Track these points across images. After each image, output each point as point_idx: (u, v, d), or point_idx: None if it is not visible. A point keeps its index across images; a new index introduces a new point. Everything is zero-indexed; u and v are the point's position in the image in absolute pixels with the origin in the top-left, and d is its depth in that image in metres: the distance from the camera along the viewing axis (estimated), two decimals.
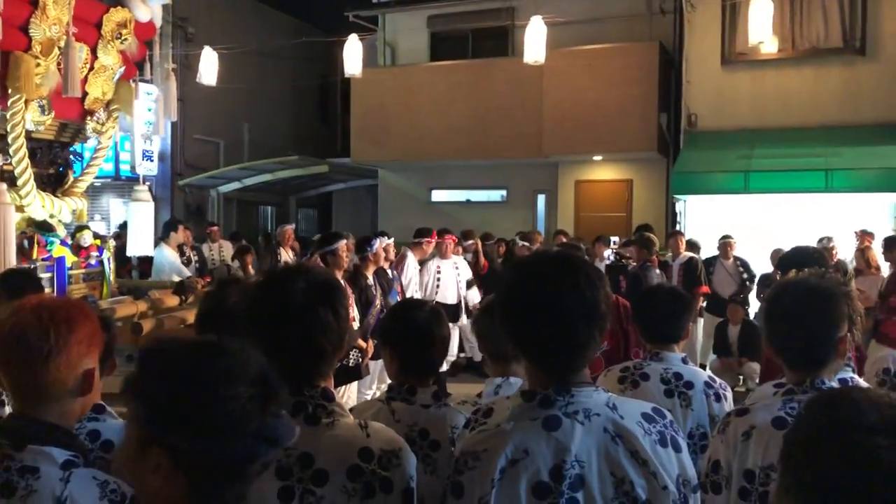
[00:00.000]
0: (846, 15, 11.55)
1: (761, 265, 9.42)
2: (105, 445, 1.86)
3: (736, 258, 9.30)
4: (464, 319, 9.58)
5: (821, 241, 8.60)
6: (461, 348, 9.86)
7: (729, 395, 2.82)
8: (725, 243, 9.34)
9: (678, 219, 12.38)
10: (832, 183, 10.66)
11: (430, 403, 2.35)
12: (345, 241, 6.08)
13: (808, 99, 11.63)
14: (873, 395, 1.06)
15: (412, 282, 8.08)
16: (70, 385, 1.66)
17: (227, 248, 11.73)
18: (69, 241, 6.81)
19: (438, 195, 15.57)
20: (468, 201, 15.27)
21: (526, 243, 9.79)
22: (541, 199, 14.70)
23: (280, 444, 1.14)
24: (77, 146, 7.37)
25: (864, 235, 8.89)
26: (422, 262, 8.40)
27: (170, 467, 1.10)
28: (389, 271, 7.19)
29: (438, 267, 8.55)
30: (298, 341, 1.66)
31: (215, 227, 12.32)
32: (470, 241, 9.91)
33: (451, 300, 8.63)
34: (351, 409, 1.74)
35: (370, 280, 6.30)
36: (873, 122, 11.22)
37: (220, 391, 1.10)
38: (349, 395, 5.92)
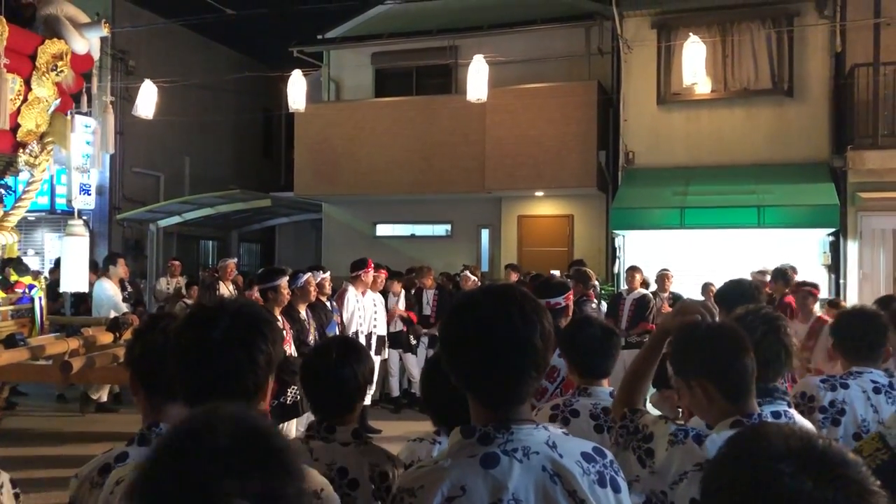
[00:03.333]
0: (774, 58, 12.05)
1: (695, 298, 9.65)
2: None
3: (671, 293, 9.46)
4: (410, 356, 9.58)
5: (755, 273, 8.83)
6: (402, 384, 9.83)
7: None
8: (663, 276, 9.51)
9: (617, 253, 12.61)
10: (764, 219, 11.00)
11: (349, 441, 2.33)
12: (286, 278, 6.01)
13: (740, 138, 12.04)
14: (785, 428, 1.11)
15: (354, 315, 8.04)
16: None
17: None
18: None
19: (383, 229, 15.59)
20: (413, 236, 15.32)
21: (474, 277, 9.86)
22: (484, 233, 14.84)
23: None
24: (8, 179, 7.20)
25: (791, 270, 9.16)
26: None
27: None
28: (329, 304, 7.15)
29: (374, 301, 8.54)
30: (209, 383, 1.64)
31: (177, 262, 12.10)
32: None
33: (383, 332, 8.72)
34: None
35: (303, 314, 6.24)
36: (802, 161, 11.66)
37: None
38: (288, 434, 5.82)
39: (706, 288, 9.15)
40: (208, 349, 1.63)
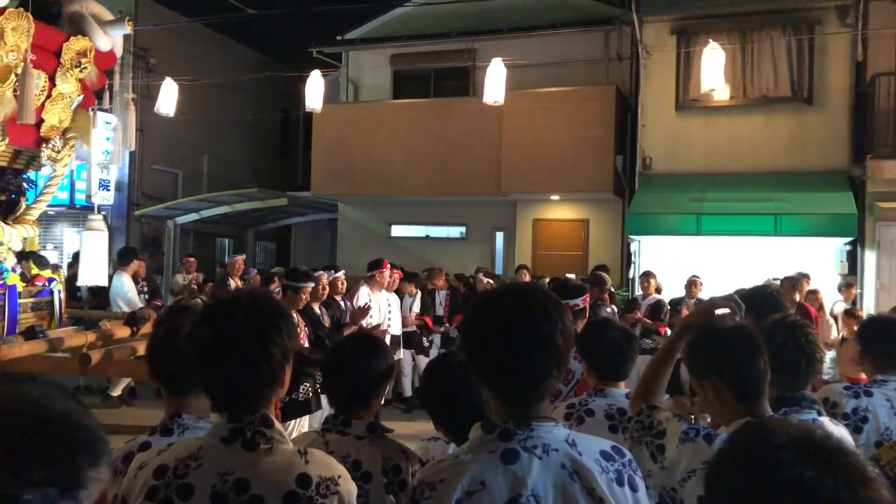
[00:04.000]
0: (794, 66, 11.99)
1: None
2: None
3: (698, 299, 9.32)
4: (422, 357, 9.62)
5: (768, 281, 8.81)
6: (414, 384, 9.85)
7: None
8: (692, 282, 9.35)
9: (633, 258, 12.58)
10: (781, 227, 10.95)
11: (364, 435, 2.37)
12: (312, 285, 6.02)
13: (758, 145, 11.99)
14: (788, 422, 1.13)
15: (384, 317, 8.14)
16: None
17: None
18: (18, 269, 6.70)
19: (398, 230, 15.62)
20: (427, 237, 15.34)
21: (489, 280, 9.89)
22: (499, 236, 14.83)
23: None
24: (31, 173, 7.27)
25: (803, 278, 9.12)
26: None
27: None
28: (342, 303, 7.18)
29: (388, 300, 8.56)
30: (225, 372, 1.67)
31: (192, 259, 12.21)
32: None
33: (397, 331, 8.74)
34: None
35: (317, 311, 6.26)
36: (820, 169, 11.60)
37: None
38: (300, 430, 5.85)
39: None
40: (224, 343, 1.66)
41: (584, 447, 1.59)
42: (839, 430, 2.42)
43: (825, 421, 2.44)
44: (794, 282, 8.01)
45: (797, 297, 7.83)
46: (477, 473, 1.53)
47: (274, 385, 1.71)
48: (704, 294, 9.51)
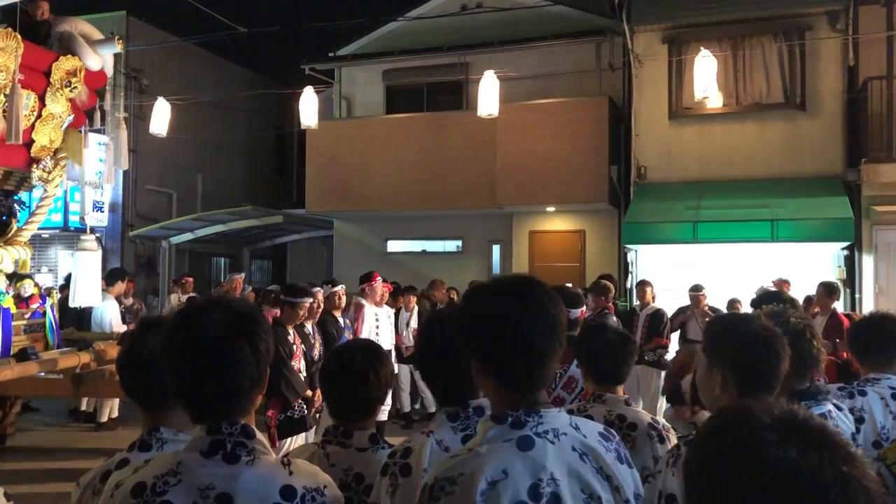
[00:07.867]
0: (786, 72, 12.02)
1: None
2: None
3: (711, 308, 9.08)
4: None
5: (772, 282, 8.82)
6: (415, 399, 9.75)
7: (672, 436, 2.82)
8: (696, 296, 9.24)
9: (630, 268, 12.55)
10: (777, 233, 10.92)
11: (366, 447, 2.30)
12: (309, 301, 5.93)
13: (753, 152, 11.99)
14: (771, 403, 1.09)
15: (371, 331, 8.02)
16: None
17: None
18: (11, 291, 6.64)
19: (394, 245, 15.59)
20: (424, 251, 15.30)
21: None
22: (496, 249, 14.80)
23: None
24: (22, 194, 7.24)
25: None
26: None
27: None
28: (341, 319, 7.09)
29: (376, 314, 8.45)
30: (212, 375, 1.59)
31: (190, 279, 12.13)
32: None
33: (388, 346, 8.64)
34: (287, 455, 1.69)
35: (308, 329, 6.16)
36: (815, 175, 11.59)
37: None
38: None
39: (732, 304, 8.93)
40: (204, 342, 1.59)
41: (586, 429, 1.67)
42: (849, 424, 2.41)
43: (837, 414, 2.43)
44: (830, 288, 7.99)
45: (832, 305, 7.84)
46: (498, 463, 1.55)
47: (257, 387, 1.65)
48: (708, 302, 9.38)
